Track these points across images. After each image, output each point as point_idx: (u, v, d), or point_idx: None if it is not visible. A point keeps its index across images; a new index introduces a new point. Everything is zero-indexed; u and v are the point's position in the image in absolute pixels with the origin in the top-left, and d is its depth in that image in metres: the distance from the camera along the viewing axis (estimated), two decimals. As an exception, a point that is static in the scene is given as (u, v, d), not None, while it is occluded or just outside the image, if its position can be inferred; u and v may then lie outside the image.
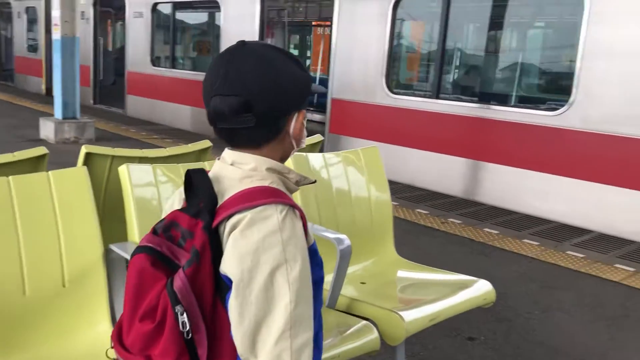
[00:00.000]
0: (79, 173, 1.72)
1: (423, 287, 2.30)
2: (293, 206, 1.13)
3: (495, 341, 2.98)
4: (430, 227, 4.93)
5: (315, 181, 1.31)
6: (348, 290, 2.07)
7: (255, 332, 1.06)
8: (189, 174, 1.17)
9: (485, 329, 3.10)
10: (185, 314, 1.08)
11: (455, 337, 2.97)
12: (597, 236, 4.93)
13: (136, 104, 10.78)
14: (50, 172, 1.70)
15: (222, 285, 1.11)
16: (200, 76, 9.54)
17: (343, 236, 1.95)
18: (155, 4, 10.23)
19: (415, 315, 1.91)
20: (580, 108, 5.20)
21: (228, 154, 1.21)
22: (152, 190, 1.83)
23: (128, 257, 1.71)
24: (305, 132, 1.26)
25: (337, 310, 1.96)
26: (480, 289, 2.20)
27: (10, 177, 1.65)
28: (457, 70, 7.21)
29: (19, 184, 1.66)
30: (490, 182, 5.94)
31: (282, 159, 1.24)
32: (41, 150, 2.26)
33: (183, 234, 1.14)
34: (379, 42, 6.71)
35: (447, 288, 2.20)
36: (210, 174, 1.19)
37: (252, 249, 1.07)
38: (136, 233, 1.77)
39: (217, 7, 8.91)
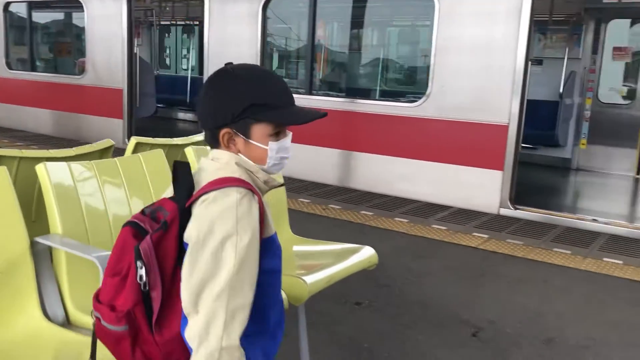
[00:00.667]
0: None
1: (318, 256, 2.64)
2: (253, 192, 1.34)
3: (378, 304, 3.40)
4: (313, 213, 5.31)
5: (283, 184, 1.52)
6: (255, 264, 2.37)
7: (200, 289, 1.25)
8: (175, 166, 1.38)
9: (369, 294, 3.52)
10: (143, 269, 1.29)
11: (345, 304, 3.36)
12: (456, 211, 5.60)
13: (-9, 111, 10.11)
14: (-28, 175, 1.79)
15: (184, 256, 1.30)
16: (62, 78, 9.23)
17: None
18: (8, 4, 9.66)
19: (315, 279, 2.24)
20: (436, 99, 5.85)
21: (211, 151, 1.43)
22: (69, 185, 1.97)
23: (54, 245, 1.86)
24: (260, 152, 1.38)
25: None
26: (365, 254, 2.58)
27: None
28: (327, 68, 7.67)
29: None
30: (362, 170, 6.46)
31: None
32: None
33: (165, 217, 1.35)
34: (251, 41, 6.98)
35: (338, 255, 2.56)
36: (196, 168, 1.41)
37: (210, 218, 1.28)
38: (59, 226, 1.90)
39: (80, 7, 8.64)
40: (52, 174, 1.92)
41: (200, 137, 3.43)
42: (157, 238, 1.31)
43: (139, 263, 1.30)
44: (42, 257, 1.87)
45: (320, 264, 2.41)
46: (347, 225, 4.97)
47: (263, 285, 1.33)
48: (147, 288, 1.31)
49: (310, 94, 6.85)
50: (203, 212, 1.30)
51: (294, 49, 7.76)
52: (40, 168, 1.92)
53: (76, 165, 2.02)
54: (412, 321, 3.20)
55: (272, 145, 1.40)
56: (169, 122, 11.88)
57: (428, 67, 5.92)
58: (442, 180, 5.92)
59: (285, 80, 7.78)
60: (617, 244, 4.74)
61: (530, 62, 5.57)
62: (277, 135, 1.41)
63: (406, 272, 3.94)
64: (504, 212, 5.59)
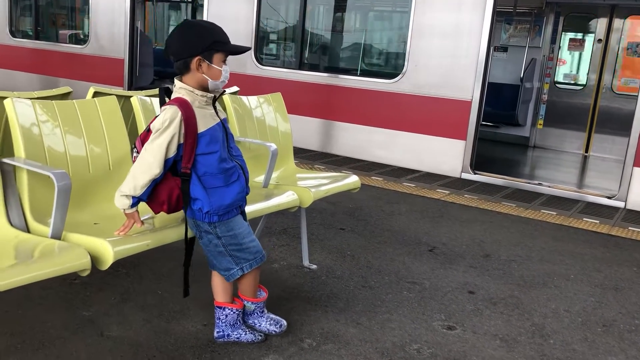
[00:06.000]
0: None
1: (319, 179, 3.54)
2: (179, 108, 2.24)
3: (358, 230, 4.33)
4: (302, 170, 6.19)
5: (224, 92, 2.45)
6: (273, 180, 3.27)
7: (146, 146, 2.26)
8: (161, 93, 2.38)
9: (350, 224, 4.44)
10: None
11: (332, 229, 4.27)
12: (425, 174, 6.54)
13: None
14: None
15: None
16: (64, 47, 9.92)
17: (272, 144, 3.13)
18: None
19: (318, 189, 3.15)
20: (411, 76, 6.76)
21: (175, 81, 2.35)
22: (32, 118, 2.44)
23: (19, 164, 2.36)
24: (217, 72, 2.29)
25: (269, 188, 3.18)
26: (353, 179, 3.51)
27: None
28: (317, 47, 8.51)
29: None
30: (344, 137, 7.35)
31: (201, 86, 2.32)
32: None
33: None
34: (247, 20, 7.79)
35: (333, 178, 3.48)
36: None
37: (157, 120, 2.26)
38: (22, 151, 2.37)
39: (86, -18, 9.31)
40: (18, 108, 2.39)
41: (145, 92, 4.07)
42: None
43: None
44: (8, 177, 2.33)
45: (320, 184, 3.33)
46: (332, 179, 5.87)
47: (206, 161, 2.29)
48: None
49: (299, 68, 7.71)
50: (159, 117, 2.30)
51: (286, 29, 8.57)
52: (8, 102, 2.36)
53: (40, 103, 2.47)
54: (384, 241, 4.13)
55: (225, 67, 2.33)
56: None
57: (405, 49, 6.81)
58: (414, 148, 6.86)
59: (277, 56, 8.66)
60: (555, 202, 5.74)
61: (492, 48, 6.49)
62: (224, 62, 2.33)
63: (380, 212, 4.86)
64: (465, 176, 6.55)
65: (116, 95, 2.93)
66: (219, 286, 2.47)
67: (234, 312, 2.47)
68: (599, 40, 8.94)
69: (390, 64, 8.07)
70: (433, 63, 6.64)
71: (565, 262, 4.00)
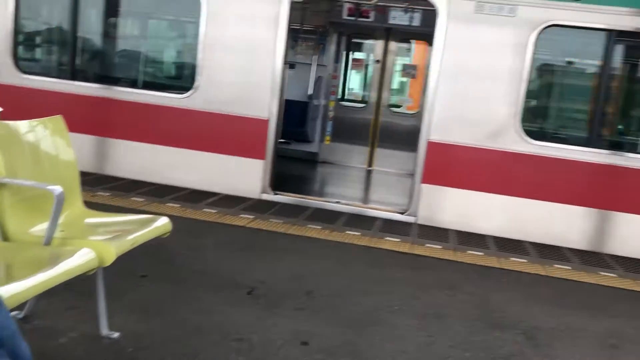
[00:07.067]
0: None
1: (121, 225, 2.84)
2: None
3: (163, 275, 3.69)
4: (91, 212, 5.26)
5: None
6: (57, 231, 2.49)
7: None
8: None
9: (153, 269, 3.78)
10: None
11: (129, 277, 3.56)
12: (224, 197, 6.08)
13: None
14: None
15: None
16: None
17: (57, 187, 2.36)
18: None
19: (119, 242, 2.48)
20: (203, 92, 6.25)
21: None
22: None
23: None
24: None
25: (52, 245, 2.38)
26: (162, 222, 2.89)
27: None
28: (93, 55, 7.47)
29: None
30: (127, 158, 6.52)
31: None
32: None
33: None
34: (5, 19, 6.51)
35: (138, 224, 2.80)
36: None
37: None
38: None
39: None
40: None
41: None
42: None
43: None
44: None
45: (123, 230, 2.65)
46: (120, 211, 5.07)
47: None
48: None
49: (73, 79, 6.67)
50: None
51: (55, 31, 7.37)
52: None
53: None
54: (195, 287, 3.57)
55: None
56: None
57: (196, 63, 6.27)
58: (210, 168, 6.35)
59: (45, 64, 7.38)
60: (355, 220, 5.73)
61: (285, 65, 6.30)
62: None
63: (184, 248, 4.27)
64: (265, 196, 6.25)
65: None
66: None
67: None
68: (377, 61, 9.45)
69: (180, 78, 7.44)
70: (227, 79, 6.23)
71: (385, 292, 3.89)
